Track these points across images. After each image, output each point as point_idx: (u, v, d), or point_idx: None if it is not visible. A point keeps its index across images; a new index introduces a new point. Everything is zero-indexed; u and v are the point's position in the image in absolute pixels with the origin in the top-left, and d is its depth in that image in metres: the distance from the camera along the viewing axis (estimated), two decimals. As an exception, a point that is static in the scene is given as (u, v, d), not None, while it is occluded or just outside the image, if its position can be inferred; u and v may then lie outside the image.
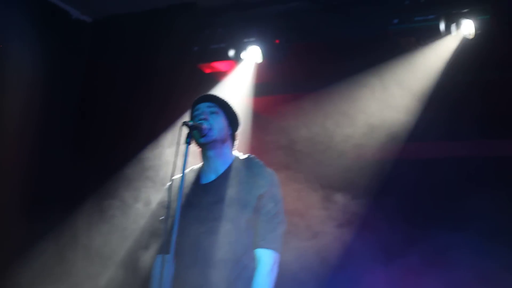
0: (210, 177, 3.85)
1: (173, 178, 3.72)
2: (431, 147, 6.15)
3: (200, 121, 3.73)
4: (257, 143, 5.73)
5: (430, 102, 5.55)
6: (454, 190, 5.74)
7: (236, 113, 3.96)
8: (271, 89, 6.34)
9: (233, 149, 3.96)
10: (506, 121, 5.75)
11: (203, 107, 3.86)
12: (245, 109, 5.95)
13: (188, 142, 3.53)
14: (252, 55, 6.03)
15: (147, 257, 5.17)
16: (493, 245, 5.23)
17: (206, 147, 3.83)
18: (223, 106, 3.91)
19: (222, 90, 5.87)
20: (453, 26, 5.32)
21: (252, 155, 3.94)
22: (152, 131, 5.96)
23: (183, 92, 5.66)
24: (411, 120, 5.60)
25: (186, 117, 3.99)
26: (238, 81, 6.11)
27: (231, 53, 6.07)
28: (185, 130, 3.57)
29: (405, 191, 5.73)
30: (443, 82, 5.53)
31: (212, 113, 3.83)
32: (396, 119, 5.62)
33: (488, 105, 5.73)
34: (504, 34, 5.22)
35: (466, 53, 5.37)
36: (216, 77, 6.21)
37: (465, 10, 5.29)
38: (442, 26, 5.30)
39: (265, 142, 5.99)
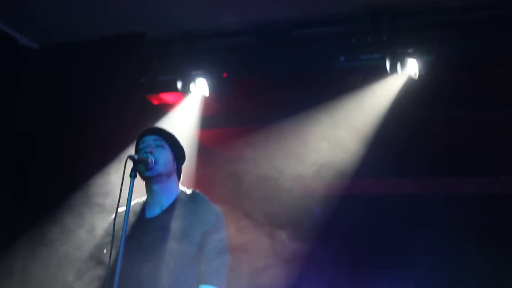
0: (155, 211, 3.80)
1: (118, 211, 3.66)
2: (379, 184, 6.21)
3: (145, 155, 3.69)
4: (203, 176, 5.69)
5: (377, 140, 5.61)
6: (399, 226, 5.80)
7: (182, 147, 3.94)
8: (218, 122, 6.35)
9: (179, 183, 3.93)
10: (452, 158, 5.86)
11: (149, 140, 3.83)
12: (192, 142, 5.93)
13: (133, 176, 3.48)
14: (200, 88, 6.02)
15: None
16: (438, 280, 5.29)
17: (151, 181, 3.79)
18: (169, 140, 3.88)
19: (169, 122, 5.84)
20: (398, 65, 5.42)
21: (197, 190, 3.91)
22: (100, 161, 5.88)
23: (131, 122, 5.60)
24: (359, 157, 5.64)
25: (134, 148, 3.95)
26: (186, 113, 6.09)
27: (179, 85, 6.05)
28: (130, 164, 3.52)
29: (351, 228, 5.77)
30: (390, 120, 5.61)
31: (158, 146, 3.80)
32: (344, 157, 5.65)
33: (434, 143, 5.83)
34: (448, 73, 5.33)
35: (412, 92, 5.47)
36: (164, 109, 6.18)
37: (410, 50, 5.40)
38: (387, 65, 5.38)
39: (211, 176, 5.97)
